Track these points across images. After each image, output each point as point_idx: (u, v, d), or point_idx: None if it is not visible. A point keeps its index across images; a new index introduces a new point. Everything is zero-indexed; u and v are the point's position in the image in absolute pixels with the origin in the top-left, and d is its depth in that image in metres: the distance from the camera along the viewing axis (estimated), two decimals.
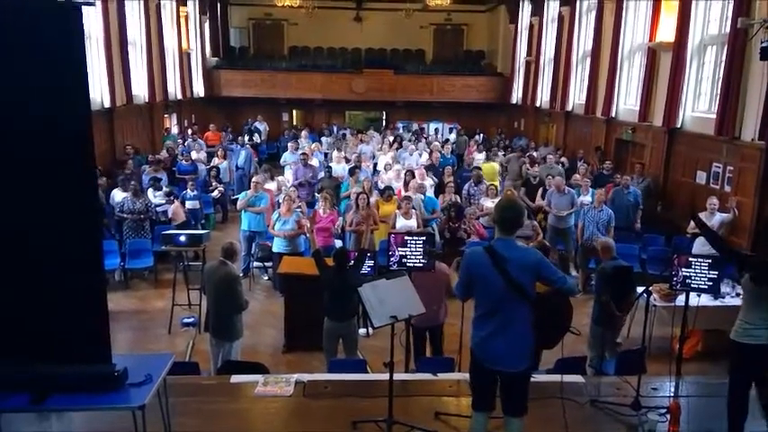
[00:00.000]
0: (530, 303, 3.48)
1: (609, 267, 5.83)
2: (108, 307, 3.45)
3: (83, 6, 3.05)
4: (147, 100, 14.81)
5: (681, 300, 5.49)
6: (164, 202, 9.59)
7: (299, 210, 8.50)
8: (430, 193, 9.87)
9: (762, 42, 7.51)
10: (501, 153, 14.37)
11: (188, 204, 10.23)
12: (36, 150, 3.07)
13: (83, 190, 3.20)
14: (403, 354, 5.18)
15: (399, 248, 5.27)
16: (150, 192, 9.79)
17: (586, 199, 9.43)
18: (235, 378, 4.89)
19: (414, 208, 8.54)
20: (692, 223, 8.00)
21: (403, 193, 9.45)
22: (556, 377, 4.76)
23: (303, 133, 16.83)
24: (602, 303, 5.68)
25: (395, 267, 5.28)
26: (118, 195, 9.31)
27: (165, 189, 9.94)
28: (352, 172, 10.79)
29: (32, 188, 3.10)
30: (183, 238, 7.12)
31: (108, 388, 3.27)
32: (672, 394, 4.82)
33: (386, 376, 4.13)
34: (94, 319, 3.28)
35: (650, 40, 11.46)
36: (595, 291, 5.89)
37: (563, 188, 9.35)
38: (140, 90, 14.45)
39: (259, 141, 18.45)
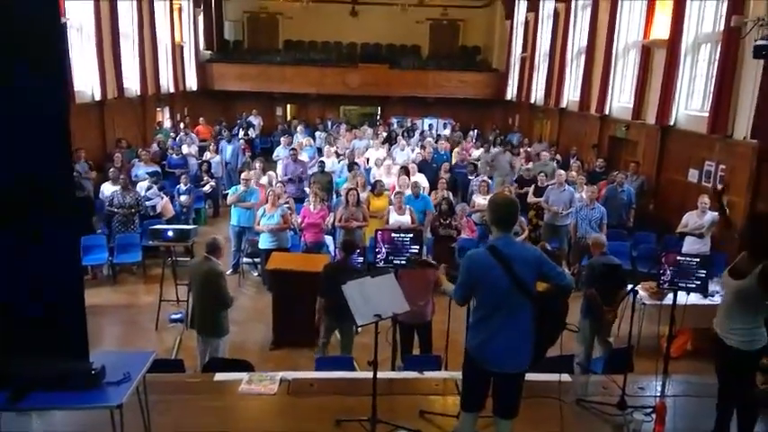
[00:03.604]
0: (532, 301, 3.43)
1: (597, 263, 5.88)
2: (85, 303, 3.39)
3: None
4: (138, 93, 14.68)
5: (670, 298, 5.48)
6: (153, 197, 9.50)
7: (286, 205, 8.43)
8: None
9: (755, 41, 7.51)
10: (492, 149, 14.25)
11: (182, 199, 10.16)
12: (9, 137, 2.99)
13: (60, 182, 3.14)
14: (389, 351, 5.14)
15: (386, 246, 5.22)
16: (140, 186, 9.68)
17: (583, 195, 9.37)
18: (219, 376, 4.84)
19: (406, 204, 8.50)
20: (683, 221, 7.98)
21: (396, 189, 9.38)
22: (542, 376, 4.74)
23: (299, 128, 16.62)
24: (588, 296, 5.70)
25: (381, 265, 5.23)
26: (107, 189, 9.21)
27: (146, 183, 9.78)
28: (350, 168, 10.72)
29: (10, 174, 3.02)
30: (170, 233, 7.10)
31: (85, 386, 3.22)
32: (658, 394, 4.80)
33: (371, 374, 4.09)
34: (71, 317, 3.22)
35: (644, 38, 11.42)
36: (583, 284, 5.92)
37: (563, 184, 9.29)
38: (132, 83, 14.32)
39: (254, 136, 18.36)
